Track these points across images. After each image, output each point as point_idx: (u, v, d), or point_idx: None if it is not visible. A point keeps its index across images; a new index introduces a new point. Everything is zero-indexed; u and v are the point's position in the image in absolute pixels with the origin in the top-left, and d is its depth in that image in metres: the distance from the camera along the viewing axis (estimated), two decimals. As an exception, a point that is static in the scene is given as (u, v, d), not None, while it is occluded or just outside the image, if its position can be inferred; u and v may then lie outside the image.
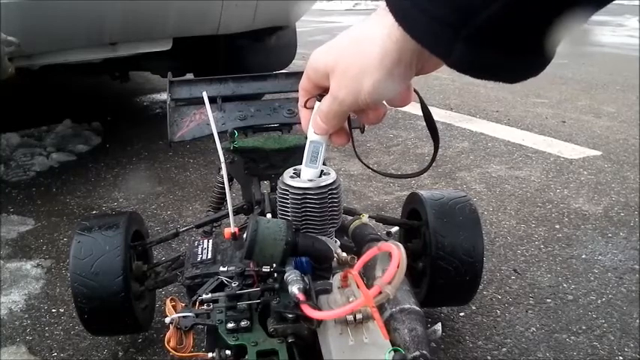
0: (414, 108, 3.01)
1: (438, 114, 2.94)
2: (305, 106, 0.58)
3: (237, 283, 0.73)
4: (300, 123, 1.23)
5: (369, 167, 0.68)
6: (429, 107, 0.58)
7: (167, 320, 0.70)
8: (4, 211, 1.86)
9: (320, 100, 0.54)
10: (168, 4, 1.97)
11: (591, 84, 3.82)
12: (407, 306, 0.70)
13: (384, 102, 0.52)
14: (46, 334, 1.24)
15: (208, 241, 0.93)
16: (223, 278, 0.76)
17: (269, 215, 0.94)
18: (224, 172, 0.92)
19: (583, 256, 1.53)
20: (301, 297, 0.62)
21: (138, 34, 2.04)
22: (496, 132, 2.70)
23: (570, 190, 1.99)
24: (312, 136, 0.60)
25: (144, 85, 3.74)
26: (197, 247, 0.92)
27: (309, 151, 0.63)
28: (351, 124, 0.60)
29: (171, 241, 1.49)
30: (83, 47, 1.91)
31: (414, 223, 1.15)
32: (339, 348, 0.62)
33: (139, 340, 1.21)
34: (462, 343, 1.18)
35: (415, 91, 0.53)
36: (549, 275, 1.44)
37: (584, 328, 1.23)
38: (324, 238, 0.75)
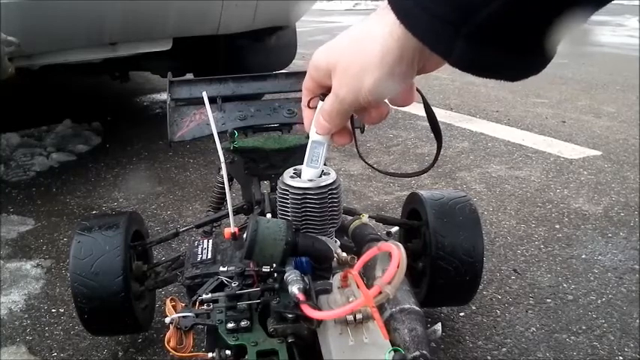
0: (414, 108, 3.01)
1: (438, 114, 2.93)
2: (308, 106, 0.57)
3: (237, 283, 0.73)
4: (300, 123, 1.23)
5: (371, 166, 0.68)
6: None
7: (167, 320, 0.70)
8: (4, 211, 1.86)
9: (323, 100, 0.54)
10: (168, 4, 1.97)
11: (591, 84, 3.82)
12: (407, 306, 0.70)
13: (387, 101, 0.52)
14: (46, 334, 1.24)
15: (208, 241, 0.93)
16: (223, 278, 0.76)
17: (269, 215, 0.94)
18: (224, 172, 0.92)
19: (583, 256, 1.53)
20: (301, 297, 0.62)
21: (138, 34, 2.04)
22: (496, 132, 2.70)
23: (570, 190, 1.99)
24: (314, 135, 0.60)
25: (144, 85, 3.74)
26: (197, 247, 0.92)
27: (310, 150, 0.63)
28: (353, 124, 0.60)
29: (171, 241, 1.49)
30: (83, 47, 1.91)
31: (414, 223, 1.15)
32: (339, 348, 0.62)
33: (139, 340, 1.21)
34: (462, 343, 1.18)
35: (418, 90, 0.53)
36: (549, 275, 1.44)
37: (584, 328, 1.23)
38: (324, 238, 0.75)
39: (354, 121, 0.60)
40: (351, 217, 0.99)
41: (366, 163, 0.65)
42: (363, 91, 0.47)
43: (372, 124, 0.55)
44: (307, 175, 0.69)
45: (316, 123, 0.57)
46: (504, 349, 1.16)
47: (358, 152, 0.62)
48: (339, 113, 0.53)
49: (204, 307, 0.72)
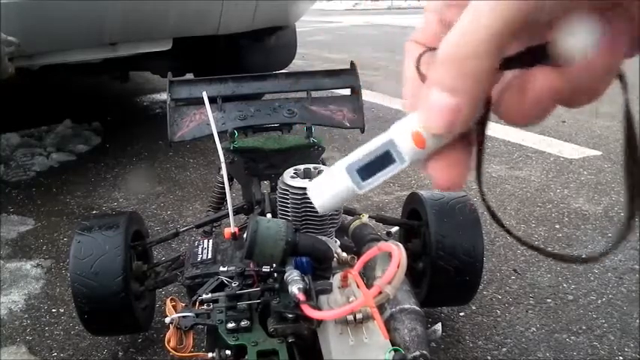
0: (414, 108, 3.01)
1: (438, 114, 2.93)
2: (417, 65, 0.27)
3: (237, 283, 0.73)
4: (300, 123, 1.21)
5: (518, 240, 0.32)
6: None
7: (167, 320, 0.70)
8: (4, 211, 1.86)
9: None
10: (168, 4, 1.97)
11: (591, 84, 3.82)
12: (407, 306, 0.70)
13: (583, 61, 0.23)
14: (46, 334, 1.24)
15: (208, 241, 0.93)
16: (223, 278, 0.76)
17: (269, 215, 0.94)
18: (224, 172, 0.92)
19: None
20: (301, 297, 0.62)
21: (138, 34, 2.04)
22: (496, 132, 2.69)
23: (570, 190, 1.99)
24: (397, 133, 0.29)
25: (144, 85, 3.74)
26: (197, 247, 0.93)
27: (371, 153, 0.29)
28: (483, 140, 0.28)
29: (171, 241, 1.49)
30: (83, 47, 1.91)
31: (414, 223, 1.15)
32: (339, 348, 0.62)
33: (139, 340, 1.21)
34: (462, 343, 1.18)
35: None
36: (549, 275, 1.44)
37: (584, 328, 1.22)
38: (324, 238, 0.75)
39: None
40: (351, 217, 0.99)
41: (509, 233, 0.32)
42: None
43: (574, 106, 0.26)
44: (333, 186, 0.30)
45: (424, 104, 0.26)
46: (504, 349, 1.16)
47: (482, 195, 0.30)
48: (483, 45, 0.22)
49: (205, 307, 0.72)
